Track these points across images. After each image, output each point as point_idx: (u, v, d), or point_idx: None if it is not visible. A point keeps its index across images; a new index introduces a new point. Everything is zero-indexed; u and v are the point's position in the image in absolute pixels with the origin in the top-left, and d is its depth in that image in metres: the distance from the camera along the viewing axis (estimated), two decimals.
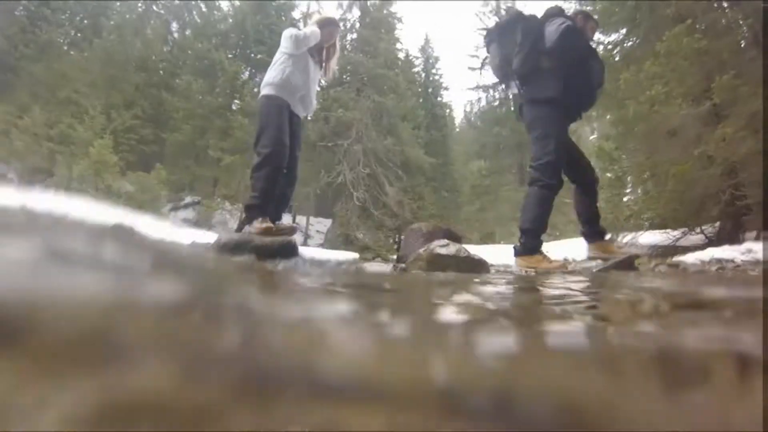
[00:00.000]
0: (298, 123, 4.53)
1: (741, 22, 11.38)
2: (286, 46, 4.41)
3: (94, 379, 0.46)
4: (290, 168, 4.33)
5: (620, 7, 13.18)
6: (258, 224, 3.87)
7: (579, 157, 4.17)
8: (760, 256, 6.58)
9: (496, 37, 4.23)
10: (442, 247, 2.54)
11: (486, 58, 4.58)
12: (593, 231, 4.07)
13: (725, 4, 11.75)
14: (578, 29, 3.96)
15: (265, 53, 26.82)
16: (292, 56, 4.39)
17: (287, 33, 4.42)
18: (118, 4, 31.16)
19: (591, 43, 4.26)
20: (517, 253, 3.67)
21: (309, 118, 5.14)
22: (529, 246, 3.62)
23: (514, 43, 4.02)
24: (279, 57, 4.47)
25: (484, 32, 4.54)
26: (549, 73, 3.86)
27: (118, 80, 25.97)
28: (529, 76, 3.96)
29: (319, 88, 4.94)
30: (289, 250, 3.32)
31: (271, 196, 4.09)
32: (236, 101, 27.33)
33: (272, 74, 4.40)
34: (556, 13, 4.05)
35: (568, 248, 11.03)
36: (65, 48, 28.10)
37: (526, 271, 3.09)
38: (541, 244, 3.68)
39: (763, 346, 0.76)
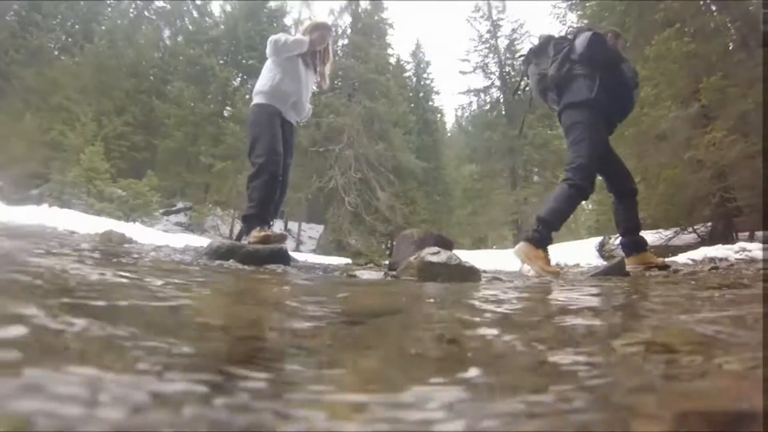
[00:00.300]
0: (290, 130, 4.49)
1: (729, 26, 11.49)
2: (268, 51, 4.39)
3: None
4: (282, 175, 4.29)
5: (609, 11, 13.29)
6: (256, 233, 3.83)
7: (619, 168, 4.18)
8: (753, 254, 6.60)
9: (532, 58, 4.34)
10: (433, 254, 2.52)
11: (523, 82, 4.68)
12: (632, 242, 4.03)
13: (713, 8, 11.86)
14: (604, 37, 4.05)
15: (257, 59, 26.82)
16: (281, 63, 4.36)
17: (271, 39, 4.39)
18: (109, 9, 31.08)
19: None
20: (525, 239, 3.62)
21: (301, 124, 5.07)
22: (539, 237, 3.56)
23: (548, 60, 4.13)
24: (268, 63, 4.43)
25: (521, 58, 4.67)
26: (582, 78, 3.92)
27: (109, 86, 25.86)
28: (564, 82, 4.02)
29: (312, 94, 4.89)
30: (280, 257, 3.30)
31: (268, 205, 4.06)
32: (228, 108, 27.30)
33: (262, 82, 4.36)
34: (585, 29, 4.18)
35: (560, 252, 11.03)
36: (56, 53, 27.96)
37: (516, 278, 3.06)
38: (550, 242, 3.63)
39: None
